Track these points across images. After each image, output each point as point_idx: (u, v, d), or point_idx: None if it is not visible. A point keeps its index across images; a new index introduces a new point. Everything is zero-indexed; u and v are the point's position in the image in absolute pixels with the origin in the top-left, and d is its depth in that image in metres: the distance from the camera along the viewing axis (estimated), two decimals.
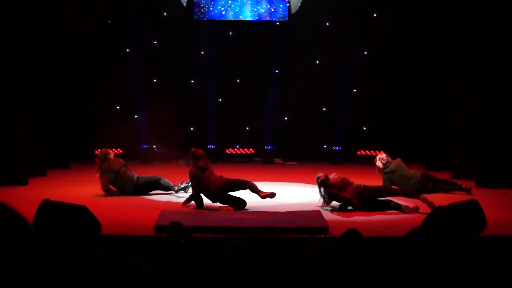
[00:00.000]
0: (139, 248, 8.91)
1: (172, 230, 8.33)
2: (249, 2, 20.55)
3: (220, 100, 20.70)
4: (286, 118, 21.03)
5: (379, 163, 15.18)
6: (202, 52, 20.88)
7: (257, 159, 20.47)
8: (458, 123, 17.17)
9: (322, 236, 10.73)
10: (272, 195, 13.12)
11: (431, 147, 18.89)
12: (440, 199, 14.13)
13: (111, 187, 14.64)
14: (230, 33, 20.92)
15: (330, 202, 13.36)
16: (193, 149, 13.60)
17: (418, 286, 6.63)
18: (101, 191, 14.98)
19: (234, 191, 13.37)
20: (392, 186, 14.79)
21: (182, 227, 8.33)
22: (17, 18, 15.88)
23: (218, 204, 13.23)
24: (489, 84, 16.00)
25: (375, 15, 20.71)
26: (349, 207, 13.10)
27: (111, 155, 14.80)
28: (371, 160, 20.09)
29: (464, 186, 15.04)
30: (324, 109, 21.12)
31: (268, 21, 20.72)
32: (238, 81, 20.44)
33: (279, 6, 20.60)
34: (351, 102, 20.85)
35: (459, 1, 17.21)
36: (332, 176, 13.42)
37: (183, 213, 12.21)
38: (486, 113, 16.08)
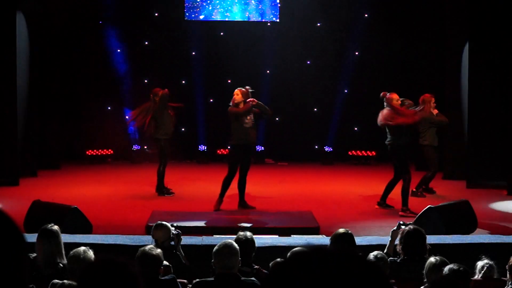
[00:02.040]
0: (130, 248, 8.91)
1: (156, 231, 8.31)
2: (240, 2, 20.54)
3: (211, 100, 20.67)
4: (277, 119, 21.01)
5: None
6: (193, 53, 20.85)
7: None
8: (449, 122, 17.20)
9: (313, 236, 10.74)
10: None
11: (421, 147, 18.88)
12: (432, 198, 14.17)
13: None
14: (221, 33, 20.89)
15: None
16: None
17: (410, 284, 6.65)
18: (91, 192, 14.99)
19: None
20: None
21: (167, 228, 8.29)
22: (7, 18, 15.88)
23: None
24: (479, 82, 16.05)
25: (366, 15, 20.71)
26: None
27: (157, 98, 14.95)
28: (362, 160, 20.18)
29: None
30: (315, 109, 21.11)
31: (259, 21, 20.71)
32: (229, 81, 20.41)
33: (270, 7, 20.59)
34: (342, 102, 20.83)
35: (451, 1, 17.26)
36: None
37: (174, 213, 12.20)
38: (476, 113, 16.11)
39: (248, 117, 13.23)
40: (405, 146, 13.32)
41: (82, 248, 7.09)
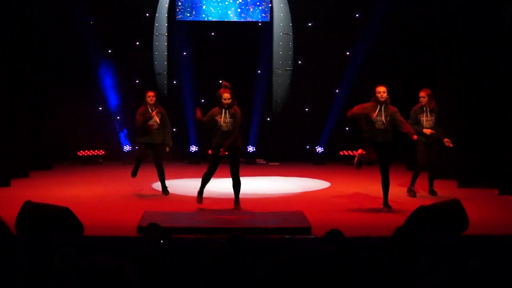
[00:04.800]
0: (122, 249, 8.90)
1: (149, 232, 8.31)
2: (232, 2, 20.53)
3: (203, 100, 20.65)
4: (268, 119, 21.02)
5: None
6: (185, 53, 20.84)
7: (240, 159, 20.40)
8: (440, 121, 17.22)
9: (305, 236, 10.76)
10: None
11: (413, 147, 18.88)
12: (423, 198, 14.20)
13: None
14: (213, 33, 20.89)
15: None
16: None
17: (402, 285, 6.66)
18: (83, 192, 14.97)
19: None
20: None
21: (160, 228, 8.29)
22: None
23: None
24: (470, 82, 16.08)
25: (357, 15, 20.74)
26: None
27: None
28: (353, 160, 20.18)
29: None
30: (306, 109, 21.12)
31: (250, 21, 20.71)
32: (220, 81, 20.39)
33: (262, 7, 20.58)
34: (333, 102, 20.84)
35: (443, 1, 17.29)
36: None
37: (165, 214, 12.20)
38: (467, 112, 16.14)
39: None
40: (365, 140, 13.37)
41: (64, 248, 7.10)
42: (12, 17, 16.39)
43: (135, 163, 14.97)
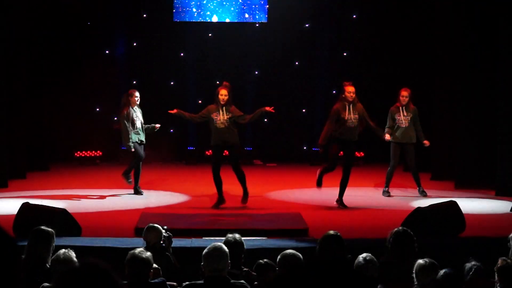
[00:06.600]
0: (119, 250, 8.91)
1: (148, 233, 8.33)
2: (229, 3, 20.53)
3: (200, 101, 20.65)
4: (265, 120, 21.02)
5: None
6: (182, 54, 20.85)
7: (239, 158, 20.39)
8: (437, 123, 17.26)
9: (302, 238, 10.77)
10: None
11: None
12: (420, 199, 14.21)
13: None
14: (210, 34, 20.89)
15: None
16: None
17: (400, 286, 6.68)
18: (80, 193, 14.97)
19: None
20: None
21: (158, 230, 8.31)
22: None
23: None
24: (468, 83, 16.08)
25: (354, 16, 20.75)
26: None
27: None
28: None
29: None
30: (303, 110, 21.14)
31: (247, 22, 20.71)
32: (217, 82, 20.42)
33: (259, 8, 20.59)
34: (330, 103, 20.83)
35: (440, 1, 17.30)
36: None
37: (163, 215, 12.20)
38: (465, 113, 16.14)
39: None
40: (335, 139, 13.58)
41: (63, 250, 7.12)
42: (9, 15, 16.39)
43: (135, 170, 14.90)
